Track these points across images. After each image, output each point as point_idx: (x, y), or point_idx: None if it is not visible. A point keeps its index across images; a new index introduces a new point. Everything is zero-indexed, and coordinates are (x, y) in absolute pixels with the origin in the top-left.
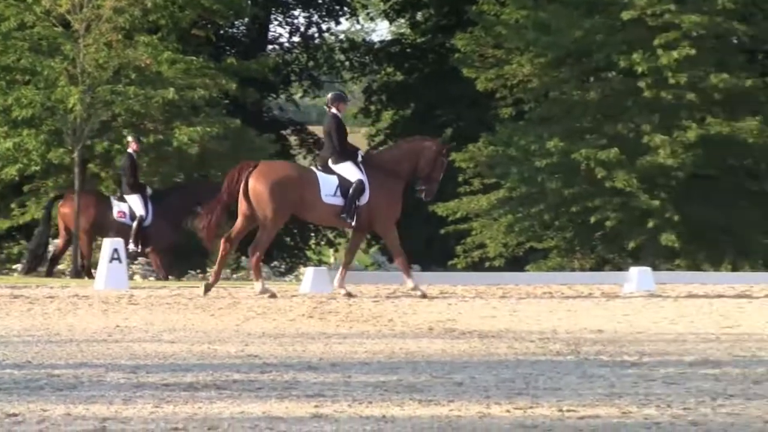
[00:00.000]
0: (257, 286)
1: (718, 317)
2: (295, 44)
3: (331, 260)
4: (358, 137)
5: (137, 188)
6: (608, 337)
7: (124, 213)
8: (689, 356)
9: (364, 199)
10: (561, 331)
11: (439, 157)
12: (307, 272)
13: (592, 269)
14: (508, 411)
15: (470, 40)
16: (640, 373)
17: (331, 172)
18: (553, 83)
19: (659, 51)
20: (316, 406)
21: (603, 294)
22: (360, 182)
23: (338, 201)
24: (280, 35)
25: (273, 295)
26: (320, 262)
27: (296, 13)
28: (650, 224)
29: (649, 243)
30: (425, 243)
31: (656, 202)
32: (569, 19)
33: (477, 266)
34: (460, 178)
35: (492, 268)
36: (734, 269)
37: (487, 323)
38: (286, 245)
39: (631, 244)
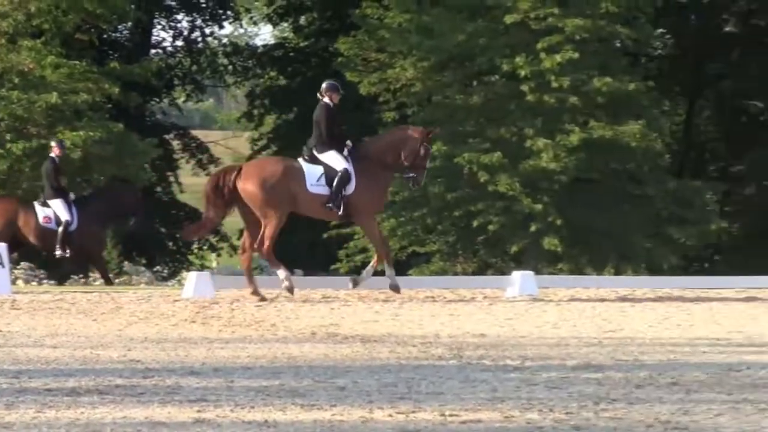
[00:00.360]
0: (280, 273)
1: (601, 321)
2: (179, 48)
3: (214, 264)
4: (241, 141)
5: (60, 193)
6: (491, 342)
7: (49, 218)
8: (572, 360)
9: (350, 188)
10: (443, 336)
11: (422, 145)
12: (190, 277)
13: (474, 273)
14: (390, 415)
15: (353, 44)
16: (523, 377)
17: (316, 161)
18: (436, 87)
19: (542, 55)
20: (198, 411)
21: (486, 298)
22: (345, 171)
23: (323, 190)
24: (164, 39)
25: (290, 289)
26: (203, 267)
27: (179, 17)
28: (533, 228)
29: (532, 247)
30: (308, 247)
31: (539, 206)
32: (452, 23)
33: (359, 270)
34: None
35: (374, 273)
36: (617, 273)
37: (369, 327)
38: (168, 250)
39: (514, 248)
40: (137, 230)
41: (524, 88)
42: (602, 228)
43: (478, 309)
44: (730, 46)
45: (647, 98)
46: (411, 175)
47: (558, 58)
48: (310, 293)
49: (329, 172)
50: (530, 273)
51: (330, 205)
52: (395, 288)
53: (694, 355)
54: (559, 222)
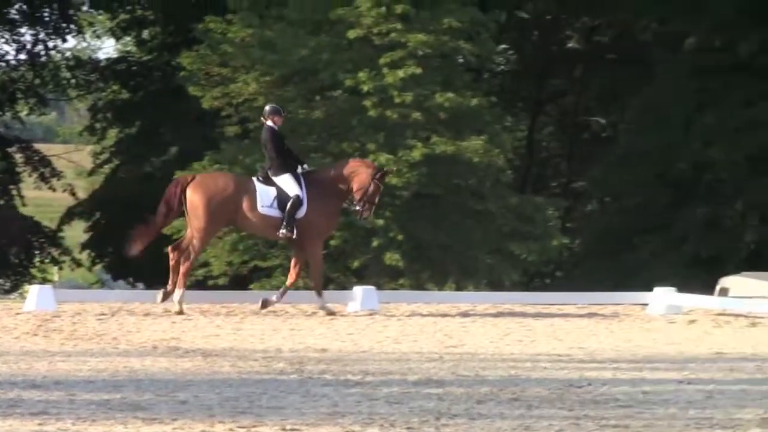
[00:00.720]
0: (176, 294)
1: (442, 336)
2: (22, 62)
3: (56, 278)
4: (84, 155)
5: None
6: (332, 356)
7: None
8: (413, 375)
9: (302, 212)
10: (285, 350)
11: (372, 181)
12: (32, 290)
13: None
14: (231, 429)
15: (196, 58)
16: (364, 392)
17: (270, 183)
18: (278, 102)
19: (385, 70)
20: (40, 424)
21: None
22: (297, 197)
23: (274, 213)
24: (7, 53)
25: (179, 311)
26: (45, 280)
27: (23, 30)
28: (374, 243)
29: (374, 262)
30: (152, 259)
31: (380, 221)
32: (295, 38)
33: (201, 285)
34: None
35: (216, 287)
36: (458, 288)
37: (210, 342)
38: (10, 263)
39: (355, 263)
40: None
41: (367, 103)
42: (444, 243)
43: (319, 324)
44: (573, 63)
45: (490, 114)
46: (357, 207)
47: (401, 73)
48: (152, 307)
49: (282, 196)
50: (372, 288)
51: (283, 230)
52: (330, 312)
53: (536, 371)
54: (400, 237)
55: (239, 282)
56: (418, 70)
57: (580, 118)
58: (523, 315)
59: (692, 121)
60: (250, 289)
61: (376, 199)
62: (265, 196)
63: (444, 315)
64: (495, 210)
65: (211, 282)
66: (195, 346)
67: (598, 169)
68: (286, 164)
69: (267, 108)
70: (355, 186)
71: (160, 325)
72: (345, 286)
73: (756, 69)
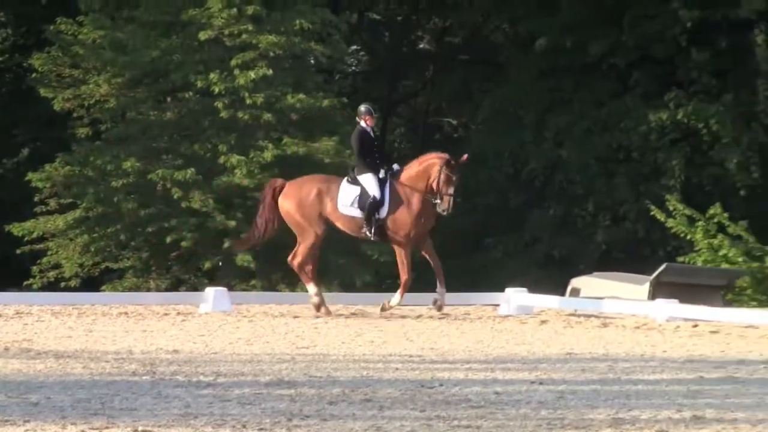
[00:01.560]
0: (310, 289)
1: (294, 338)
2: None
3: None
4: None
5: None
6: (184, 358)
7: None
8: (265, 377)
9: (383, 213)
10: (137, 352)
11: (442, 173)
12: None
13: (167, 289)
14: (83, 431)
15: (47, 59)
16: (216, 393)
17: (356, 182)
18: (130, 103)
19: (236, 71)
20: None
21: (179, 314)
22: (373, 198)
23: (355, 212)
24: None
25: (317, 306)
26: None
27: None
28: (226, 244)
29: (225, 263)
30: (1, 263)
31: (233, 222)
32: (146, 40)
33: (53, 286)
34: (36, 198)
35: (68, 288)
36: None
37: (62, 343)
38: None
39: (207, 265)
40: None
41: (218, 104)
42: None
43: (171, 325)
44: (425, 64)
45: (341, 115)
46: (436, 201)
47: (252, 74)
48: (3, 309)
49: (363, 196)
50: (223, 289)
51: (364, 230)
52: (440, 306)
53: (387, 372)
54: None
55: (91, 283)
56: (269, 72)
57: (431, 119)
58: (375, 316)
59: (544, 121)
60: (102, 291)
61: (451, 190)
62: (346, 196)
63: (296, 316)
64: None
65: (63, 284)
66: (47, 348)
67: None
68: (369, 164)
69: (360, 108)
70: (431, 179)
71: (11, 326)
72: (197, 288)
73: (606, 70)
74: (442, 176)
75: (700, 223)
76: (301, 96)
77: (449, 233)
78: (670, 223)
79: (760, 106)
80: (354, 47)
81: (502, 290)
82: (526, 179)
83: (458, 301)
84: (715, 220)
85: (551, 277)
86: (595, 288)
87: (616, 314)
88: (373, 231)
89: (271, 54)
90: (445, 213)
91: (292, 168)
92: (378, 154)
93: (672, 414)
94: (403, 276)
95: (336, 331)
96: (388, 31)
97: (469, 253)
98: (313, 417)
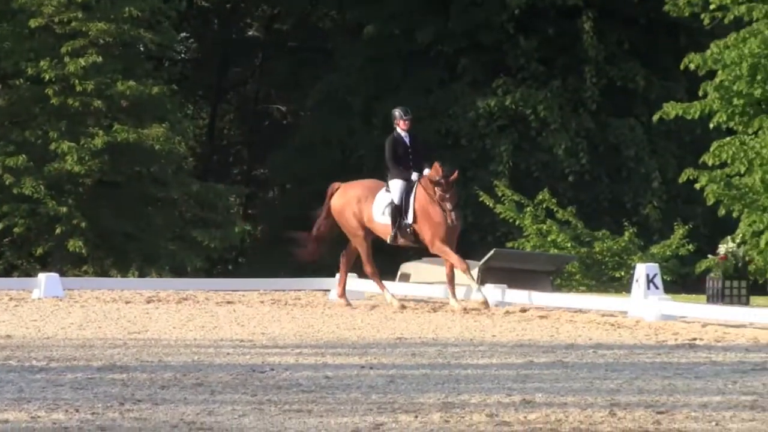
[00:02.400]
0: (386, 295)
1: (126, 323)
2: None
3: None
4: None
5: None
6: (17, 343)
7: None
8: (97, 361)
9: (408, 219)
10: None
11: (437, 192)
12: None
13: (0, 275)
14: None
15: None
16: (49, 378)
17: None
18: None
19: (66, 59)
20: None
21: (11, 300)
22: (393, 204)
23: (387, 220)
24: None
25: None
26: None
27: None
28: (58, 230)
29: (57, 249)
30: None
31: (64, 209)
32: None
33: None
34: None
35: None
36: (141, 275)
37: None
38: None
39: (39, 250)
40: None
41: (49, 91)
42: (126, 230)
43: (3, 310)
44: (254, 51)
45: (171, 102)
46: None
47: (82, 61)
48: None
49: (391, 203)
50: (55, 275)
51: (389, 237)
52: (485, 304)
53: (219, 357)
54: (84, 224)
55: None
56: (99, 59)
57: (260, 106)
58: (206, 301)
59: (372, 108)
60: None
61: (448, 206)
62: (381, 204)
63: (128, 301)
64: (177, 197)
65: None
66: None
67: (279, 156)
68: (400, 171)
69: (394, 112)
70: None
71: None
72: (29, 273)
73: (433, 57)
74: (437, 195)
75: (528, 208)
76: (131, 83)
77: (280, 220)
78: (499, 208)
79: (587, 93)
80: (183, 34)
81: (332, 276)
82: (354, 165)
83: (289, 286)
84: (544, 205)
85: (382, 262)
86: (424, 273)
87: (445, 299)
88: (399, 236)
89: (101, 41)
90: (452, 224)
91: (122, 154)
92: (413, 159)
93: (502, 398)
94: (458, 267)
95: (167, 317)
96: (217, 18)
97: None
98: (145, 401)
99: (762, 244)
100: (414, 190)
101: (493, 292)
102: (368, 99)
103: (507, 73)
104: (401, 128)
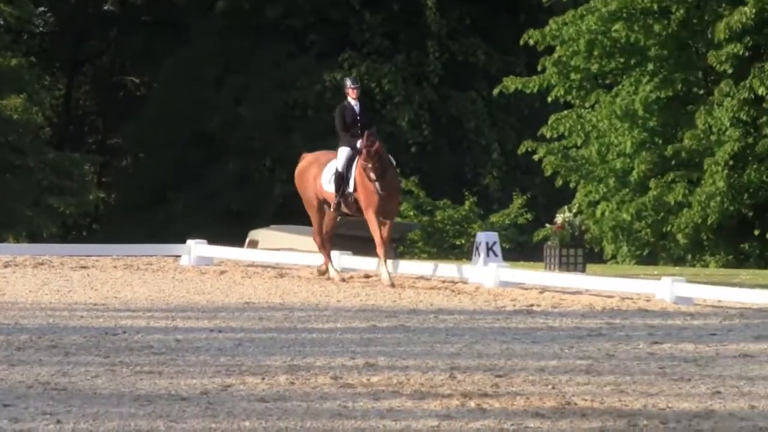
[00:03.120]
0: (330, 269)
1: None
2: None
3: None
4: None
5: None
6: None
7: None
8: None
9: (350, 187)
10: None
11: (360, 164)
12: None
13: None
14: None
15: None
16: None
17: None
18: None
19: None
20: None
21: None
22: (337, 171)
23: (332, 188)
24: None
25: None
26: None
27: None
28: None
29: None
30: None
31: None
32: None
33: None
34: None
35: None
36: (0, 240)
37: None
38: None
39: None
40: None
41: None
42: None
43: None
44: (109, 25)
45: (29, 73)
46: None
47: None
48: None
49: (336, 171)
50: None
51: (332, 204)
52: (390, 284)
53: (73, 320)
54: None
55: None
56: None
57: (115, 78)
58: (62, 266)
59: (223, 80)
60: None
61: (372, 176)
62: (329, 173)
63: None
64: (34, 165)
65: None
66: None
67: (133, 126)
68: (347, 138)
69: (345, 81)
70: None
71: None
72: None
73: (282, 31)
74: (361, 164)
75: None
76: None
77: (133, 187)
78: None
79: (430, 67)
80: (41, 9)
81: (183, 242)
82: (205, 136)
83: (141, 252)
84: None
85: (230, 229)
86: (272, 240)
87: (292, 265)
88: (343, 204)
89: None
90: (380, 193)
91: None
92: (361, 127)
93: (345, 361)
94: (379, 247)
95: (23, 281)
96: None
97: (151, 206)
98: (1, 362)
99: (597, 213)
100: (357, 159)
101: (339, 258)
102: (219, 71)
103: (353, 47)
104: (351, 97)
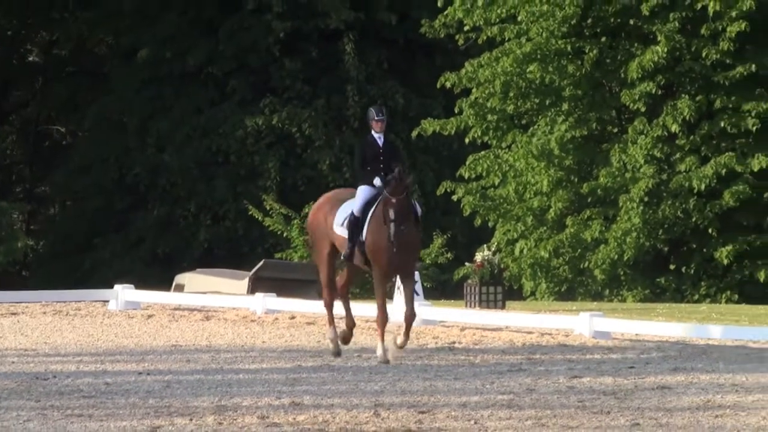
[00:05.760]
0: (328, 332)
1: None
2: None
3: None
4: None
5: None
6: None
7: None
8: None
9: (363, 235)
10: None
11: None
12: None
13: None
14: None
15: None
16: None
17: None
18: None
19: None
20: None
21: None
22: (351, 214)
23: (344, 232)
24: None
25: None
26: None
27: None
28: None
29: None
30: None
31: None
32: None
33: None
34: None
35: None
36: None
37: None
38: None
39: None
40: None
41: None
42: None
43: None
44: (34, 75)
45: None
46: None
47: None
48: None
49: (351, 213)
50: None
51: (343, 253)
52: (385, 362)
53: (4, 365)
54: None
55: None
56: None
57: (41, 127)
58: None
59: (146, 128)
60: None
61: (390, 213)
62: (344, 213)
63: None
64: None
65: None
66: None
67: (60, 175)
68: (367, 175)
69: (368, 113)
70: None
71: None
72: None
73: (204, 78)
74: (383, 198)
75: (295, 221)
76: None
77: (61, 234)
78: (268, 221)
79: (349, 111)
80: None
81: (111, 287)
82: (131, 183)
83: (70, 298)
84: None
85: (156, 273)
86: (198, 283)
87: (218, 308)
88: (355, 254)
89: None
90: (392, 241)
91: None
92: (383, 163)
93: (272, 401)
94: (378, 312)
95: None
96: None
97: (79, 252)
98: None
99: (516, 251)
100: (377, 203)
101: (263, 300)
102: (143, 119)
103: (273, 93)
104: (375, 130)
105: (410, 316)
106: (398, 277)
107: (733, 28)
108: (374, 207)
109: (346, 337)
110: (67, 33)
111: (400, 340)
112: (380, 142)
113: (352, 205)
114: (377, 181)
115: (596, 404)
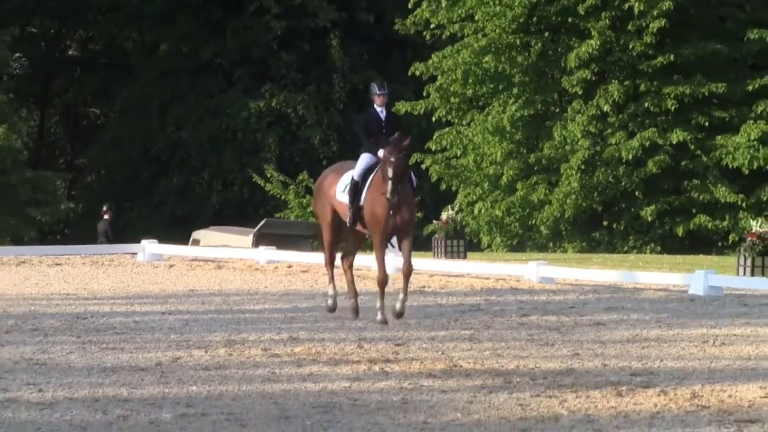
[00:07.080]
0: (329, 289)
1: None
2: None
3: None
4: None
5: None
6: None
7: None
8: None
9: (361, 199)
10: None
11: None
12: None
13: None
14: None
15: None
16: None
17: None
18: None
19: None
20: None
21: None
22: (352, 179)
23: (346, 198)
24: None
25: (330, 308)
26: None
27: None
28: None
29: None
30: None
31: None
32: None
33: None
34: None
35: None
36: None
37: None
38: None
39: None
40: None
41: None
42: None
43: None
44: (73, 67)
45: (8, 107)
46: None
47: None
48: None
49: (352, 179)
50: None
51: (349, 217)
52: (383, 323)
53: (50, 307)
54: None
55: None
56: None
57: (79, 110)
58: (40, 264)
59: (166, 111)
60: None
61: (389, 173)
62: (345, 180)
63: None
64: (15, 182)
65: None
66: None
67: (95, 149)
68: (370, 144)
69: (370, 88)
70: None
71: None
72: None
73: (214, 69)
74: (383, 158)
75: (291, 186)
76: None
77: (96, 198)
78: (268, 187)
79: (336, 95)
80: (17, 55)
81: (138, 242)
82: (154, 156)
83: (104, 251)
84: (303, 184)
85: (176, 231)
86: (211, 239)
87: (228, 259)
88: (356, 220)
89: None
90: (389, 198)
91: None
92: (386, 134)
93: (273, 335)
94: (378, 272)
95: (9, 277)
96: (44, 41)
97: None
98: None
99: (475, 211)
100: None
101: (265, 252)
102: (163, 103)
103: (272, 80)
104: (377, 104)
105: (408, 270)
106: (395, 236)
107: (655, 25)
108: (373, 173)
109: (356, 310)
110: (100, 31)
111: (398, 306)
112: (382, 115)
113: (353, 173)
114: (381, 153)
115: (543, 338)
